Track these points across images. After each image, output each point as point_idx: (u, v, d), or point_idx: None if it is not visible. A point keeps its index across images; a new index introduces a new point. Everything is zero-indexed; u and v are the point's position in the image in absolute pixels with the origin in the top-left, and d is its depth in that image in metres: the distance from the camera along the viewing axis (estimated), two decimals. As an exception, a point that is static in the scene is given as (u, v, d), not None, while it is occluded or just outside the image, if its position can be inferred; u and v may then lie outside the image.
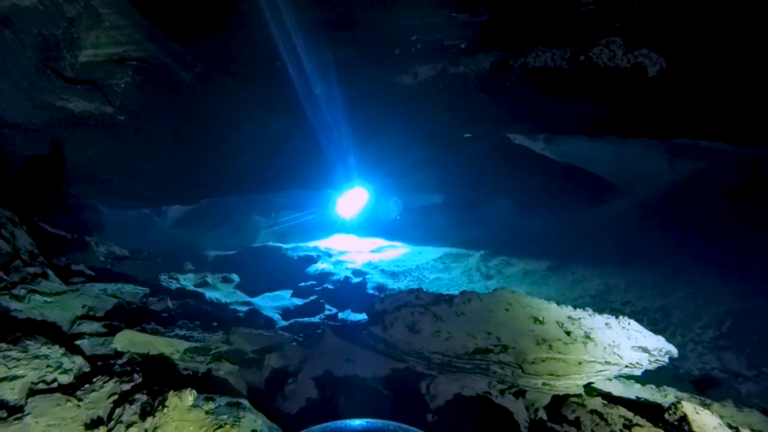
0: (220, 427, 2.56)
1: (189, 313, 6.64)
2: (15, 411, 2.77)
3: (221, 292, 9.51)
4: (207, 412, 2.66)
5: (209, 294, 8.68)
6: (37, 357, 3.33)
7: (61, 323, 5.00)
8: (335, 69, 5.32)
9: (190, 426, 2.55)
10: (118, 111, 5.45)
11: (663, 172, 13.71)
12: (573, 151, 14.97)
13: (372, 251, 12.98)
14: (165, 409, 2.61)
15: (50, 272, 7.34)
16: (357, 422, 1.28)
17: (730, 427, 3.23)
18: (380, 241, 13.81)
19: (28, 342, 3.53)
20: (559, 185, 14.73)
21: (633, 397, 4.12)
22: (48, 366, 3.28)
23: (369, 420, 1.31)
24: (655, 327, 7.61)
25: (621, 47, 5.06)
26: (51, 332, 4.68)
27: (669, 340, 6.35)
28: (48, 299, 5.36)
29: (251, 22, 4.69)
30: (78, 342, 4.31)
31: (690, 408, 3.15)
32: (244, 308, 7.68)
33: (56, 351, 3.56)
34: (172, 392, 2.70)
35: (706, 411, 3.21)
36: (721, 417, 3.57)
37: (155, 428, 2.54)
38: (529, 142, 14.44)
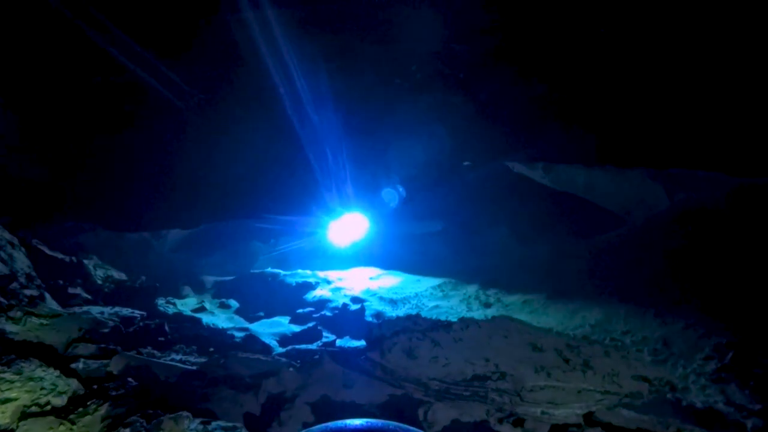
0: (215, 451, 2.53)
1: (186, 338, 6.58)
2: (7, 433, 2.74)
3: (219, 318, 9.44)
4: (202, 437, 2.62)
5: (206, 319, 8.61)
6: (31, 379, 3.31)
7: (57, 346, 4.96)
8: (333, 98, 5.46)
9: (184, 450, 2.52)
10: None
11: (661, 201, 13.81)
12: (572, 180, 15.11)
13: (371, 278, 12.92)
14: (159, 433, 2.58)
15: (47, 295, 7.34)
16: (357, 422, 1.28)
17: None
18: (379, 270, 13.76)
19: (22, 364, 3.52)
20: (559, 214, 14.80)
21: (634, 428, 4.06)
22: (42, 388, 3.25)
23: (369, 420, 1.31)
24: (656, 357, 7.51)
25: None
26: (46, 354, 4.63)
27: (671, 371, 6.30)
28: (44, 321, 5.33)
29: (247, 54, 4.88)
30: (73, 365, 4.27)
31: (691, 439, 3.10)
32: (242, 334, 7.60)
33: (51, 373, 3.54)
34: (167, 416, 2.67)
35: (708, 442, 3.15)
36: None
37: (149, 452, 2.51)
38: (528, 170, 14.62)
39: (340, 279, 12.64)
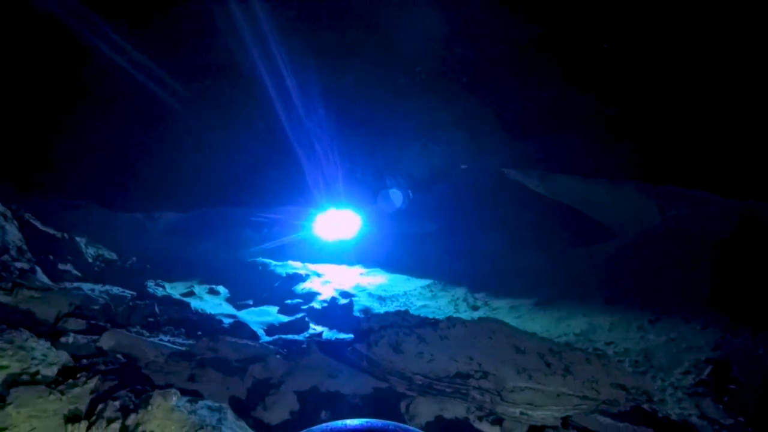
0: (202, 428, 2.59)
1: (174, 321, 6.62)
2: (-2, 400, 2.78)
3: (207, 304, 9.47)
4: (190, 413, 2.69)
5: (195, 304, 8.64)
6: (22, 348, 3.35)
7: (47, 319, 4.99)
8: (324, 97, 5.51)
9: (172, 425, 2.58)
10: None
11: (653, 217, 13.99)
12: (567, 190, 15.25)
13: (361, 275, 13.01)
14: (149, 407, 2.64)
15: (38, 269, 7.34)
16: (357, 422, 1.26)
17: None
18: (369, 267, 13.81)
19: (14, 334, 3.55)
20: (551, 222, 14.96)
21: (609, 433, 4.18)
22: (33, 358, 3.29)
23: (369, 420, 1.29)
24: (636, 369, 7.68)
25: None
26: (36, 327, 4.66)
27: (650, 382, 6.45)
28: (35, 294, 5.35)
29: (243, 61, 4.95)
30: (63, 338, 4.31)
31: (661, 445, 3.21)
32: (230, 320, 7.65)
33: (42, 344, 3.58)
34: (156, 391, 2.73)
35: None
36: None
37: (137, 425, 2.57)
38: (524, 178, 14.74)
39: (330, 273, 12.70)
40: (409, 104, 6.42)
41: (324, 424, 1.27)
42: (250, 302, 9.90)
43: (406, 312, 4.46)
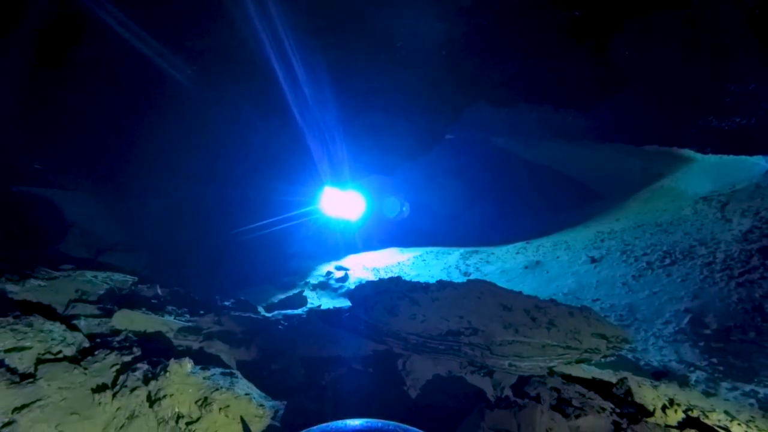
0: (217, 389, 2.87)
1: (177, 301, 6.85)
2: (26, 377, 3.02)
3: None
4: (204, 378, 2.95)
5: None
6: (41, 331, 3.57)
7: (56, 306, 5.20)
8: (327, 70, 5.61)
9: (189, 389, 2.84)
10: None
11: (636, 176, 14.33)
12: (553, 155, 15.48)
13: (354, 253, 13.23)
14: (167, 374, 2.89)
15: (40, 258, 7.49)
16: (357, 422, 1.30)
17: (669, 400, 3.65)
18: (368, 247, 13.98)
19: (31, 318, 3.77)
20: (539, 188, 15.28)
21: (590, 378, 4.54)
22: (53, 339, 3.52)
23: (369, 420, 1.34)
24: (621, 323, 8.13)
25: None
26: (46, 313, 4.88)
27: (633, 334, 6.87)
28: (42, 283, 5.54)
29: (241, 26, 5.00)
30: (75, 322, 4.54)
31: (633, 383, 3.56)
32: (230, 300, 7.93)
33: (58, 327, 3.80)
34: (173, 360, 2.99)
35: (648, 386, 3.62)
36: (665, 395, 4.00)
37: (158, 390, 2.83)
38: (511, 145, 14.94)
39: (327, 253, 12.91)
40: (393, 78, 6.53)
41: (324, 424, 1.27)
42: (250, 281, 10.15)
43: (398, 278, 4.73)
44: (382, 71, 5.64)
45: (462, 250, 12.63)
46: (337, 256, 12.71)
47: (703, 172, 12.26)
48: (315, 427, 1.29)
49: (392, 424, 1.31)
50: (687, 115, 9.19)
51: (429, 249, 12.80)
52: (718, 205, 10.87)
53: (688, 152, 12.67)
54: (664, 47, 7.36)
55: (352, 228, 14.63)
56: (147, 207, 16.36)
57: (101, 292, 5.98)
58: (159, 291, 6.82)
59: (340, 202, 13.72)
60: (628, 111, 8.71)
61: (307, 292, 9.13)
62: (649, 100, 8.55)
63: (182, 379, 2.88)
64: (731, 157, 11.06)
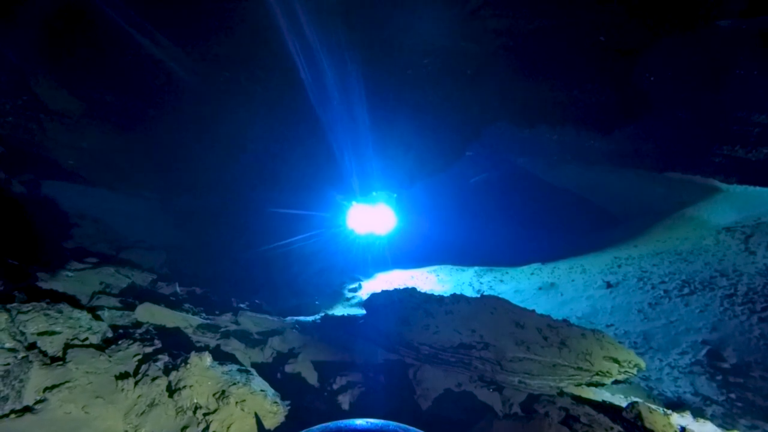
0: (234, 384, 2.97)
1: (195, 300, 7.03)
2: (56, 360, 3.17)
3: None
4: (223, 373, 3.06)
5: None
6: (71, 318, 3.74)
7: (80, 297, 5.40)
8: (357, 86, 5.75)
9: (208, 381, 2.95)
10: (148, 106, 5.92)
11: (657, 203, 14.14)
12: (575, 178, 15.40)
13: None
14: (187, 366, 3.01)
15: (67, 251, 7.78)
16: (357, 422, 1.30)
17: (681, 429, 3.62)
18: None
19: (61, 305, 3.96)
20: (558, 210, 15.18)
21: (600, 401, 4.51)
22: (80, 326, 3.69)
23: (369, 420, 1.33)
24: (635, 350, 8.00)
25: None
26: (72, 303, 5.08)
27: (648, 363, 6.77)
28: (70, 273, 5.77)
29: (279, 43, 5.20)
30: (99, 312, 4.71)
31: (644, 408, 3.54)
32: (245, 303, 8.07)
33: (85, 315, 3.98)
34: (193, 353, 3.11)
35: (660, 413, 3.60)
36: (678, 424, 3.96)
37: (179, 380, 2.95)
38: (531, 165, 14.93)
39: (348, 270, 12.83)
40: (418, 92, 6.65)
41: (324, 424, 1.27)
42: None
43: (413, 289, 4.80)
44: (411, 86, 5.79)
45: (476, 268, 12.60)
46: (365, 273, 12.43)
47: (728, 203, 12.04)
48: (316, 427, 1.29)
49: (392, 424, 1.33)
50: (712, 143, 9.14)
51: (444, 265, 12.79)
52: (741, 237, 10.66)
53: (712, 181, 12.46)
54: (689, 74, 7.39)
55: (381, 243, 14.12)
56: (169, 207, 16.71)
57: (123, 285, 6.18)
58: (178, 289, 7.01)
59: (369, 218, 13.29)
60: (650, 136, 8.70)
61: (319, 300, 9.22)
62: (672, 126, 8.54)
63: (202, 372, 3.00)
64: (758, 188, 10.88)
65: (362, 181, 10.06)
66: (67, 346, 3.33)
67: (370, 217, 13.33)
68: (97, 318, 4.35)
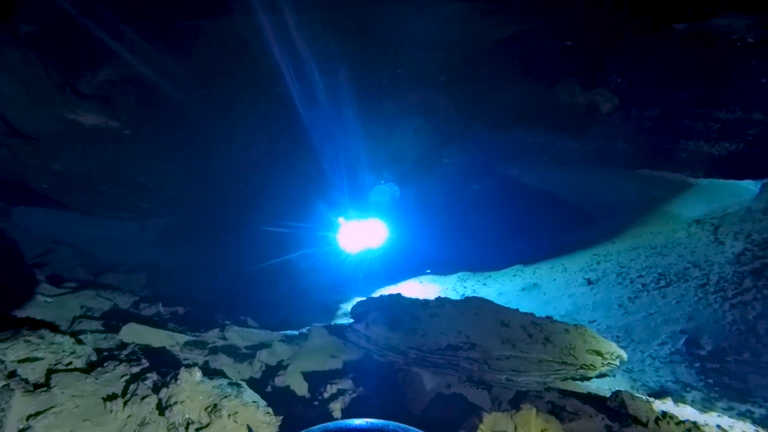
0: (226, 397, 2.97)
1: (179, 319, 6.94)
2: (39, 386, 3.11)
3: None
4: (214, 387, 3.06)
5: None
6: (53, 343, 3.68)
7: (61, 322, 5.28)
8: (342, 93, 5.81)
9: (199, 396, 2.95)
10: (124, 125, 5.88)
11: (631, 200, 14.55)
12: (549, 179, 15.72)
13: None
14: (177, 382, 3.00)
15: (43, 277, 7.58)
16: (357, 422, 1.31)
17: (663, 413, 3.75)
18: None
19: (42, 332, 3.88)
20: (536, 212, 15.46)
21: (585, 393, 4.63)
22: (63, 351, 3.63)
23: (369, 420, 1.35)
24: (618, 344, 8.20)
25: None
26: (53, 329, 4.96)
27: (630, 355, 6.96)
28: (48, 299, 5.64)
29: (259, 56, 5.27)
30: (81, 337, 4.62)
31: (627, 396, 3.67)
32: (230, 319, 7.99)
33: (68, 339, 3.91)
34: (183, 368, 3.10)
35: (642, 400, 3.73)
36: (660, 409, 4.10)
37: (169, 397, 2.93)
38: (507, 168, 15.17)
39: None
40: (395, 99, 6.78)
41: (324, 424, 1.30)
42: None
43: (399, 295, 4.87)
44: (388, 95, 5.92)
45: (460, 274, 12.73)
46: (357, 290, 12.12)
47: (697, 196, 12.49)
48: (316, 427, 1.30)
49: (392, 424, 1.36)
50: (678, 139, 9.51)
51: (424, 276, 12.85)
52: (711, 228, 11.07)
53: (681, 176, 12.91)
54: (652, 75, 7.72)
55: (372, 260, 13.74)
56: (148, 227, 16.37)
57: (105, 308, 6.07)
58: (161, 309, 6.91)
59: (359, 234, 12.90)
60: (618, 135, 9.02)
61: (307, 314, 9.19)
62: (640, 124, 8.87)
63: (192, 387, 2.99)
64: (723, 181, 11.33)
65: (353, 193, 9.93)
66: (51, 372, 3.27)
67: (362, 233, 12.97)
68: (80, 342, 4.28)
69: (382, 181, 10.12)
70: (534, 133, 8.55)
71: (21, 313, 5.29)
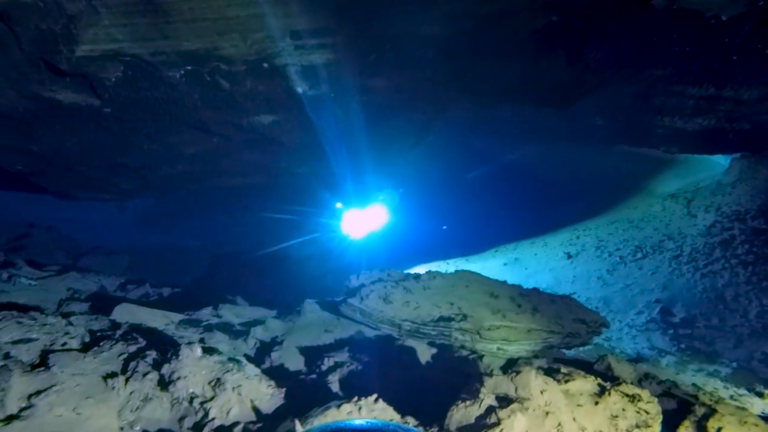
0: (228, 371, 3.02)
1: (167, 300, 6.89)
2: (37, 366, 3.09)
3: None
4: (215, 362, 3.10)
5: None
6: (45, 324, 3.64)
7: (49, 305, 5.19)
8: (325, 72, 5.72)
9: (202, 371, 2.99)
10: (105, 104, 5.68)
11: (610, 175, 14.90)
12: (532, 157, 15.91)
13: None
14: (179, 358, 3.03)
15: (22, 261, 7.41)
16: (357, 422, 1.31)
17: (644, 374, 3.98)
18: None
19: (33, 314, 3.83)
20: (522, 188, 15.69)
21: (572, 359, 4.85)
22: (57, 332, 3.60)
23: (369, 420, 1.36)
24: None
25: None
26: (40, 312, 4.88)
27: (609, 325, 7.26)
28: (32, 282, 5.53)
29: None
30: (71, 318, 4.57)
31: (613, 359, 3.87)
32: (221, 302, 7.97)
33: (60, 320, 3.87)
34: (183, 345, 3.12)
35: (625, 363, 3.94)
36: (641, 371, 4.33)
37: (172, 372, 2.96)
38: (489, 146, 15.28)
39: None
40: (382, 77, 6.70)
41: (323, 424, 1.32)
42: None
43: (391, 269, 4.95)
44: (375, 72, 5.87)
45: (443, 260, 12.88)
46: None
47: (671, 171, 12.89)
48: (315, 427, 1.34)
49: (392, 424, 1.42)
50: (654, 116, 9.72)
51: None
52: (684, 202, 11.48)
53: (656, 152, 13.27)
54: (631, 53, 7.84)
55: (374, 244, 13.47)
56: (126, 211, 15.97)
57: (93, 290, 5.99)
58: (150, 290, 6.85)
59: (361, 221, 12.85)
60: (600, 112, 9.17)
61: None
62: (618, 101, 9.04)
63: (194, 362, 3.02)
64: (696, 156, 11.71)
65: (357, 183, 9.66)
66: (47, 352, 3.25)
67: (364, 220, 12.93)
68: (72, 324, 4.23)
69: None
70: (520, 110, 8.61)
71: (3, 298, 5.17)
